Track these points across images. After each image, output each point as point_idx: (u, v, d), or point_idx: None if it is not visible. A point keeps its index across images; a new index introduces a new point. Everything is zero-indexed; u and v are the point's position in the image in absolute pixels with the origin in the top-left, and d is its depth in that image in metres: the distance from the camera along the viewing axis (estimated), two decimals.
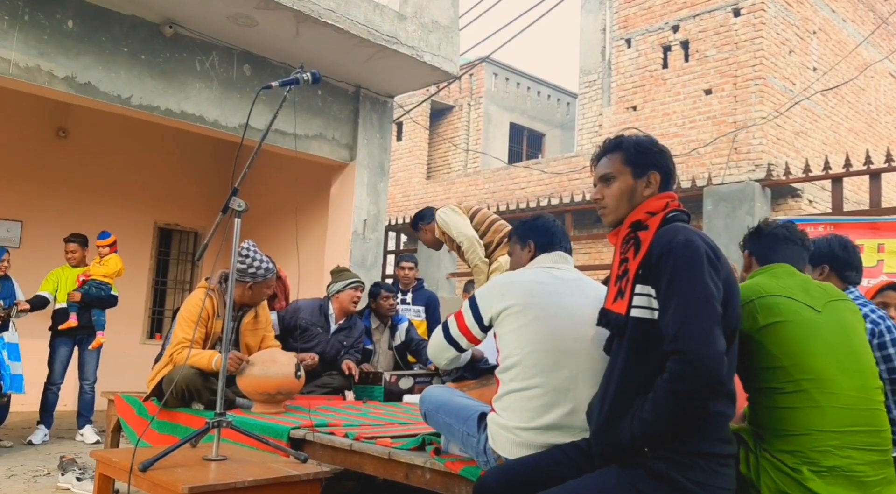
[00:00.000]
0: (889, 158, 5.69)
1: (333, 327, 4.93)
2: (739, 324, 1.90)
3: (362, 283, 5.07)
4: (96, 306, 5.90)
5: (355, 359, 4.92)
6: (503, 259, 4.42)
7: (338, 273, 5.10)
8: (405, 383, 4.70)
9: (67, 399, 6.40)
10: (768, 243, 2.35)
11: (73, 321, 5.76)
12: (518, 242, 2.64)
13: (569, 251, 2.58)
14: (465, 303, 2.49)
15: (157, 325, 8.76)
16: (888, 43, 13.34)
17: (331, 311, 4.95)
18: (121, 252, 6.21)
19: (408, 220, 10.77)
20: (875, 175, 5.71)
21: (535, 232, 2.57)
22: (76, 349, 5.91)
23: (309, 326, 4.83)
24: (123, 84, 5.63)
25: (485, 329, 2.41)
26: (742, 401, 2.06)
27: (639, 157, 2.05)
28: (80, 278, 5.89)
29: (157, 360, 4.41)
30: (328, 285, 5.06)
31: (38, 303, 5.77)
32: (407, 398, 4.57)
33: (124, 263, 6.19)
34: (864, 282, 3.72)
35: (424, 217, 5.08)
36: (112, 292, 6.02)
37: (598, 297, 2.31)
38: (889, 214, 5.53)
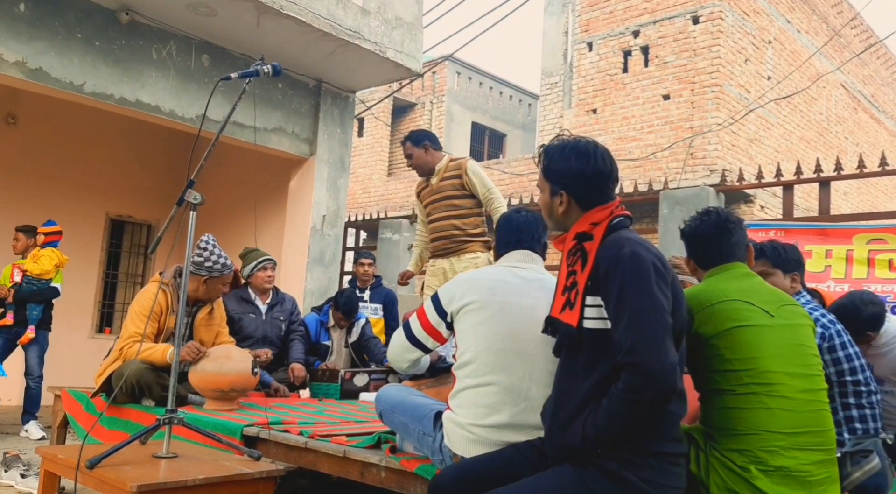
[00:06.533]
0: (838, 167, 5.86)
1: (263, 308, 4.91)
2: (686, 326, 1.94)
3: (272, 260, 5.01)
4: (32, 302, 5.73)
5: (299, 338, 4.94)
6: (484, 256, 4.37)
7: (245, 256, 5.02)
8: (360, 379, 4.68)
9: (12, 394, 6.22)
10: (699, 244, 2.32)
11: (8, 319, 5.61)
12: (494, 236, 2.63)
13: (540, 250, 2.50)
14: (427, 301, 2.45)
15: (107, 319, 8.55)
16: (840, 54, 13.74)
17: (252, 295, 4.91)
18: (71, 244, 6.03)
19: (368, 217, 10.71)
20: (825, 183, 5.87)
21: (502, 229, 2.53)
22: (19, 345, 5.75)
23: (240, 315, 4.76)
24: (76, 71, 5.48)
25: (450, 327, 2.37)
26: (693, 401, 2.10)
27: (551, 174, 2.04)
28: (14, 275, 5.70)
29: (107, 355, 4.30)
30: (240, 269, 4.90)
31: None
32: (363, 396, 4.55)
33: (71, 254, 5.98)
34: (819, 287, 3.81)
35: (433, 138, 4.55)
36: (52, 284, 5.82)
37: None
38: (837, 221, 5.70)
